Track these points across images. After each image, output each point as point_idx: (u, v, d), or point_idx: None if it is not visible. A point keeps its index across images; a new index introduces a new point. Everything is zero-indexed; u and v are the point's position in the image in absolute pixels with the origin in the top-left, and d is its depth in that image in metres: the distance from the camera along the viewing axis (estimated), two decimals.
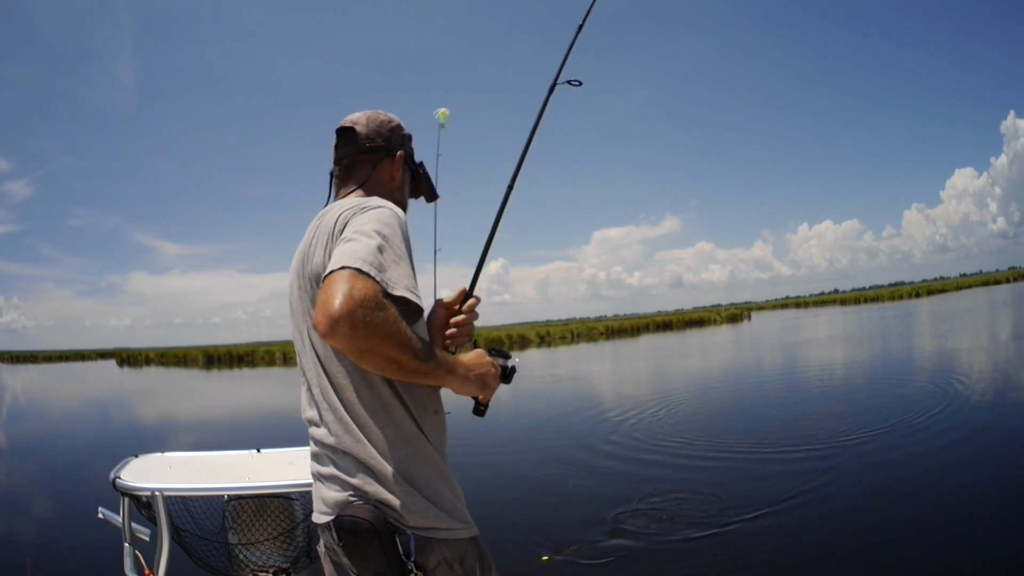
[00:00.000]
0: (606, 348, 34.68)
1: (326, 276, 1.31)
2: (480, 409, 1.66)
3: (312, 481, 1.52)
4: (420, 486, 1.39)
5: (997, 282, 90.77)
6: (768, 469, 6.44)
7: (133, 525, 2.70)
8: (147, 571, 2.66)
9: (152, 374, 38.91)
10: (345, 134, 1.73)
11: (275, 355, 42.51)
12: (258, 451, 3.13)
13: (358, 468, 1.39)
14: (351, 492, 1.40)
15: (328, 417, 1.45)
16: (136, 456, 2.95)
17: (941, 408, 8.34)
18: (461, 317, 1.68)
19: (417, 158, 1.84)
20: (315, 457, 1.52)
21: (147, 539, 2.70)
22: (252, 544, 2.81)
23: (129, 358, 57.11)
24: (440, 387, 1.52)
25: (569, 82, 1.95)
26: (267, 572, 2.82)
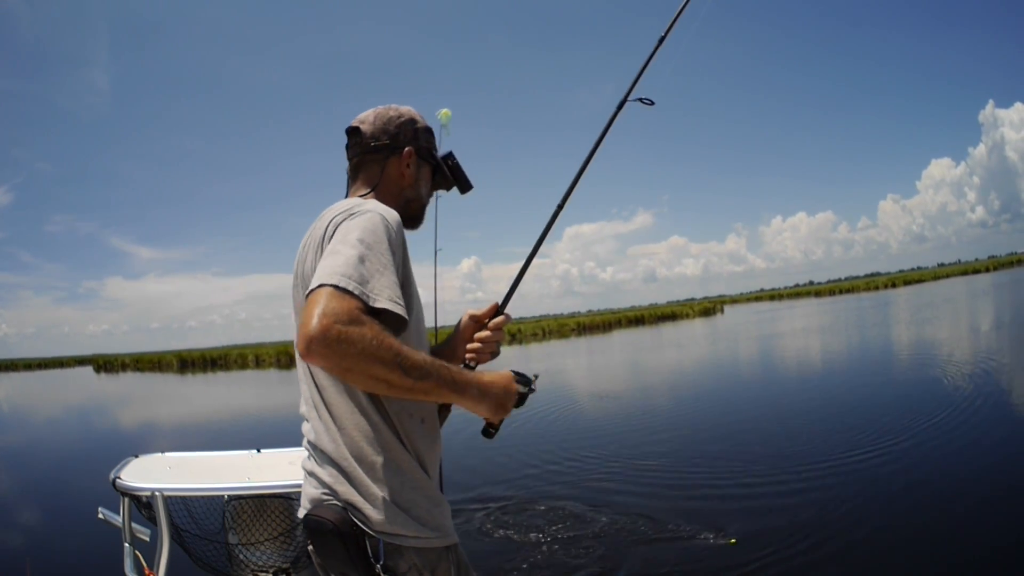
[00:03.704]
0: (577, 345, 35.04)
1: (308, 294, 1.33)
2: (490, 431, 1.65)
3: None
4: (390, 492, 1.43)
5: (976, 271, 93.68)
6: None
7: (133, 525, 2.80)
8: (147, 571, 2.76)
9: (131, 379, 39.38)
10: (352, 134, 1.75)
11: (247, 358, 43.37)
12: (258, 451, 3.22)
13: (332, 467, 1.46)
14: (324, 491, 1.47)
15: (312, 414, 1.53)
16: (136, 456, 3.04)
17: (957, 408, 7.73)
18: (486, 333, 1.73)
19: (445, 149, 1.89)
20: (307, 452, 1.60)
21: (147, 539, 2.80)
22: (252, 544, 2.93)
23: (106, 364, 58.51)
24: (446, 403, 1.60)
25: (641, 100, 1.94)
26: (267, 572, 2.94)
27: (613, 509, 5.50)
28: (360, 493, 1.43)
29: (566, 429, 9.52)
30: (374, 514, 1.41)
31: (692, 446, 7.70)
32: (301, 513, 1.55)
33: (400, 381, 1.31)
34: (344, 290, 1.29)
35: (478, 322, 1.75)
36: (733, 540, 4.64)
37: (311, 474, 1.52)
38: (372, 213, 1.49)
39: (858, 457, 6.24)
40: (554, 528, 5.22)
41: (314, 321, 1.24)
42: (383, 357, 1.27)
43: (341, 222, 1.48)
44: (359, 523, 1.42)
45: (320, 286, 1.30)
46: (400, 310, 1.36)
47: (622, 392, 13.58)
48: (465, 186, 1.90)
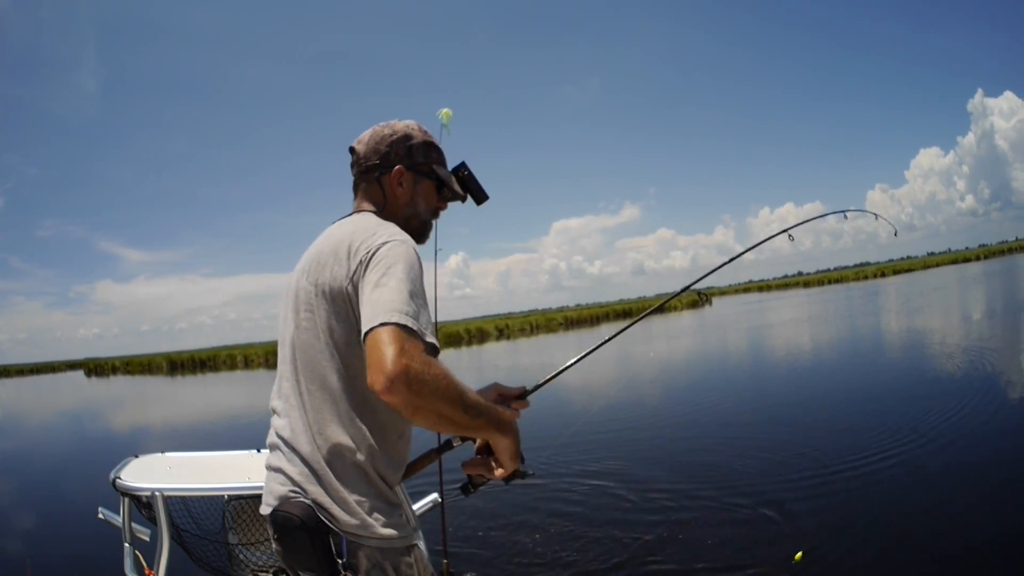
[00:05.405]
0: (566, 339, 35.25)
1: (372, 329, 1.36)
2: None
3: None
4: (356, 496, 1.50)
5: (967, 260, 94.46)
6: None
7: (133, 525, 2.82)
8: (147, 571, 2.80)
9: (122, 382, 39.86)
10: (351, 154, 1.80)
11: (236, 359, 44.24)
12: (258, 451, 3.22)
13: (304, 467, 1.53)
14: (292, 488, 1.53)
15: (293, 413, 1.58)
16: (136, 456, 3.05)
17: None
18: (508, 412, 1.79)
19: (445, 147, 1.88)
20: (271, 447, 1.64)
21: (147, 539, 2.83)
22: (252, 544, 2.96)
23: (96, 368, 59.36)
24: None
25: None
26: (267, 572, 2.97)
27: (627, 509, 5.42)
28: (328, 494, 1.50)
29: (561, 425, 9.52)
30: (340, 514, 1.48)
31: (700, 443, 7.70)
32: (265, 510, 1.60)
33: (460, 419, 1.39)
34: (409, 329, 1.35)
35: (500, 396, 1.77)
36: (799, 555, 3.94)
37: (279, 470, 1.57)
38: (406, 244, 1.54)
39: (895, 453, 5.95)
40: (558, 532, 5.18)
41: (393, 361, 1.29)
42: (451, 396, 1.35)
43: (375, 250, 1.51)
44: (325, 520, 1.48)
45: (385, 324, 1.34)
46: (438, 345, 1.43)
47: (615, 388, 13.63)
48: (480, 197, 1.91)
